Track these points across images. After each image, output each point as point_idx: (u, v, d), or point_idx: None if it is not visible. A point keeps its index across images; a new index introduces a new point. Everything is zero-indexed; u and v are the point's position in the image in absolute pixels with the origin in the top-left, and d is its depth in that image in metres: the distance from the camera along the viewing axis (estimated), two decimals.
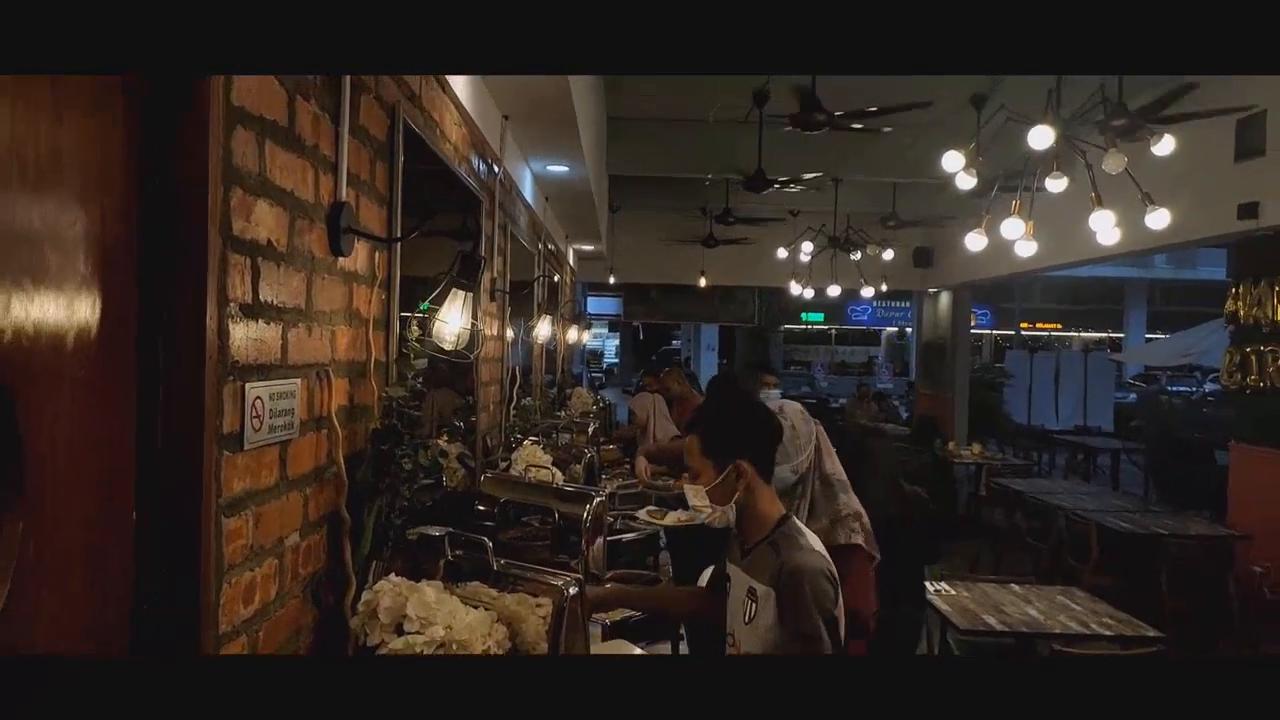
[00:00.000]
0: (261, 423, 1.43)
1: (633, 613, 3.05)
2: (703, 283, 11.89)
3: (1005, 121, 5.25)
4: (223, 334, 1.30)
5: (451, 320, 1.81)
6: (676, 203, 10.99)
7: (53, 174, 1.06)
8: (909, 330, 24.65)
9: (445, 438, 1.99)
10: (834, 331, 31.25)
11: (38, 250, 1.03)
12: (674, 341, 29.79)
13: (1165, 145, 4.41)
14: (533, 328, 4.55)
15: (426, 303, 1.91)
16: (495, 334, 3.97)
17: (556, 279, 7.08)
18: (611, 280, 12.31)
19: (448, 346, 1.90)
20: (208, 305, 1.25)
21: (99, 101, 1.14)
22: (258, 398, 1.41)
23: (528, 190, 4.97)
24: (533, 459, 3.28)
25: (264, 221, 1.44)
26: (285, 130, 1.52)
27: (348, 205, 1.78)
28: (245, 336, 1.38)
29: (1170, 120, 4.77)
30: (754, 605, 2.03)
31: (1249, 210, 5.98)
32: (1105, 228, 4.35)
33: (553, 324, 4.27)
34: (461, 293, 1.81)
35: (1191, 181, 6.05)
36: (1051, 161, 4.55)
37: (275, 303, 1.49)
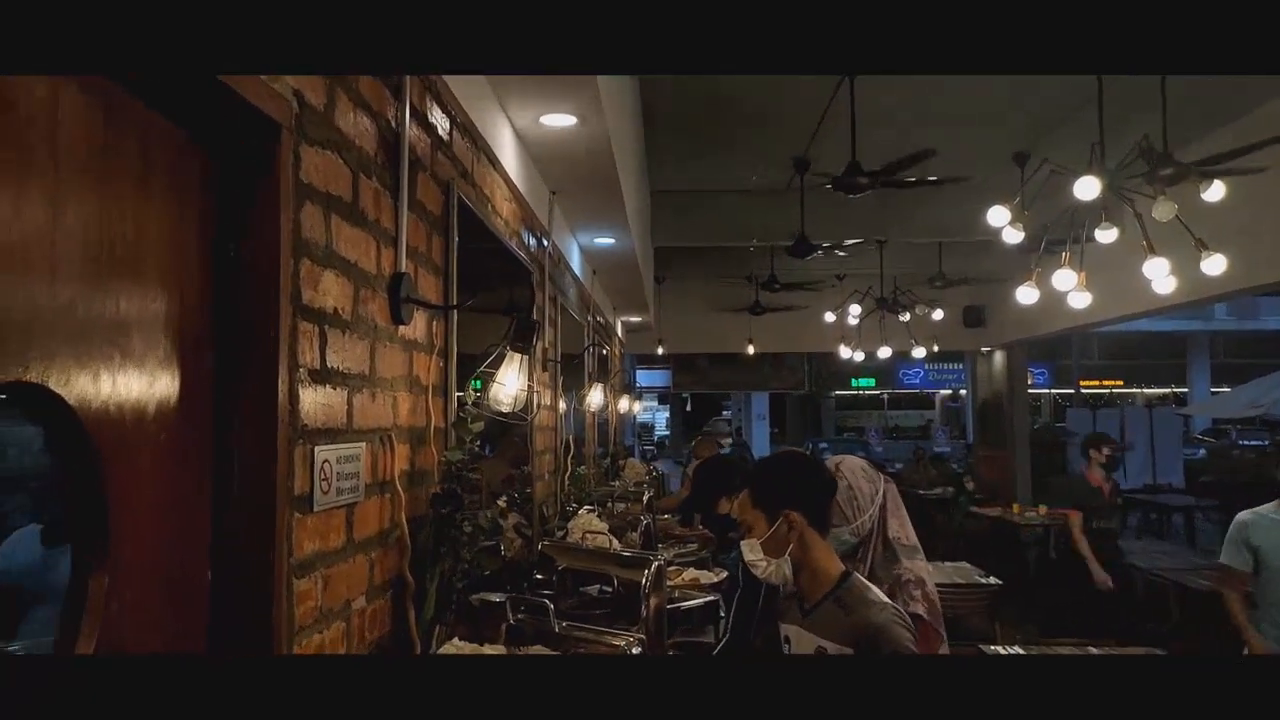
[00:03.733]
0: (330, 485, 1.47)
1: None
2: (751, 350, 11.89)
3: (1049, 175, 5.25)
4: (293, 398, 1.35)
5: (509, 382, 1.85)
6: (721, 272, 11.09)
7: (137, 252, 1.12)
8: (963, 392, 24.24)
9: (504, 500, 2.02)
10: (886, 396, 30.83)
11: (124, 325, 1.09)
12: (724, 412, 29.67)
13: (1215, 191, 4.37)
14: (584, 396, 4.59)
15: (482, 369, 1.96)
16: (549, 404, 4.02)
17: (605, 351, 7.16)
18: (660, 351, 12.37)
19: (505, 409, 1.93)
20: (279, 370, 1.30)
21: (178, 180, 1.22)
22: (326, 460, 1.46)
23: (575, 263, 5.07)
24: (589, 526, 3.27)
25: (330, 291, 1.50)
26: (350, 205, 1.60)
27: (407, 276, 1.85)
28: (314, 401, 1.43)
29: (1217, 164, 4.73)
30: None
31: None
32: (1159, 275, 4.29)
33: (604, 392, 4.30)
34: (518, 356, 1.85)
35: (1247, 228, 5.95)
36: (1099, 212, 4.53)
37: (341, 369, 1.55)
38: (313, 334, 1.43)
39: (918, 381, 28.27)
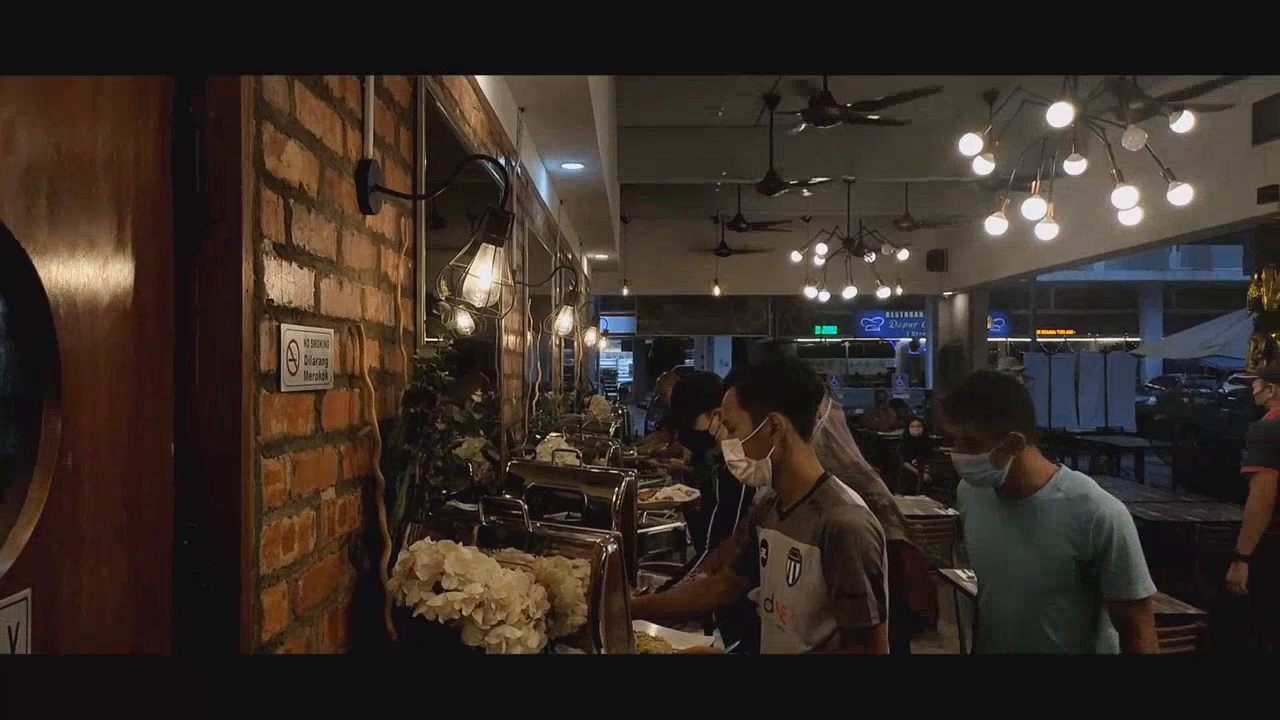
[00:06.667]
0: (297, 367, 1.41)
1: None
2: (717, 291, 11.89)
3: (1020, 108, 5.23)
4: (258, 269, 1.28)
5: (483, 275, 1.79)
6: (688, 210, 11.02)
7: (92, 103, 1.04)
8: (923, 341, 24.54)
9: (479, 394, 1.97)
10: (847, 344, 31.09)
11: (74, 174, 1.01)
12: (688, 360, 29.75)
13: (1184, 122, 4.38)
14: (553, 320, 4.54)
15: (454, 262, 1.90)
16: (517, 328, 3.96)
17: (573, 287, 7.07)
18: (625, 291, 12.32)
19: (478, 303, 1.88)
20: (243, 237, 1.23)
21: None
22: (293, 340, 1.39)
23: (544, 190, 4.97)
24: (558, 446, 3.24)
25: (295, 163, 1.42)
26: (313, 75, 1.51)
27: (374, 163, 1.77)
28: (279, 276, 1.36)
29: (1184, 98, 4.74)
30: (797, 565, 1.99)
31: (1269, 193, 5.93)
32: (1128, 203, 4.31)
33: (573, 315, 4.25)
34: (491, 248, 1.78)
35: (1210, 166, 6.02)
36: (1070, 143, 4.53)
37: (308, 249, 1.48)
38: (277, 205, 1.35)
39: (879, 330, 28.53)
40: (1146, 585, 2.15)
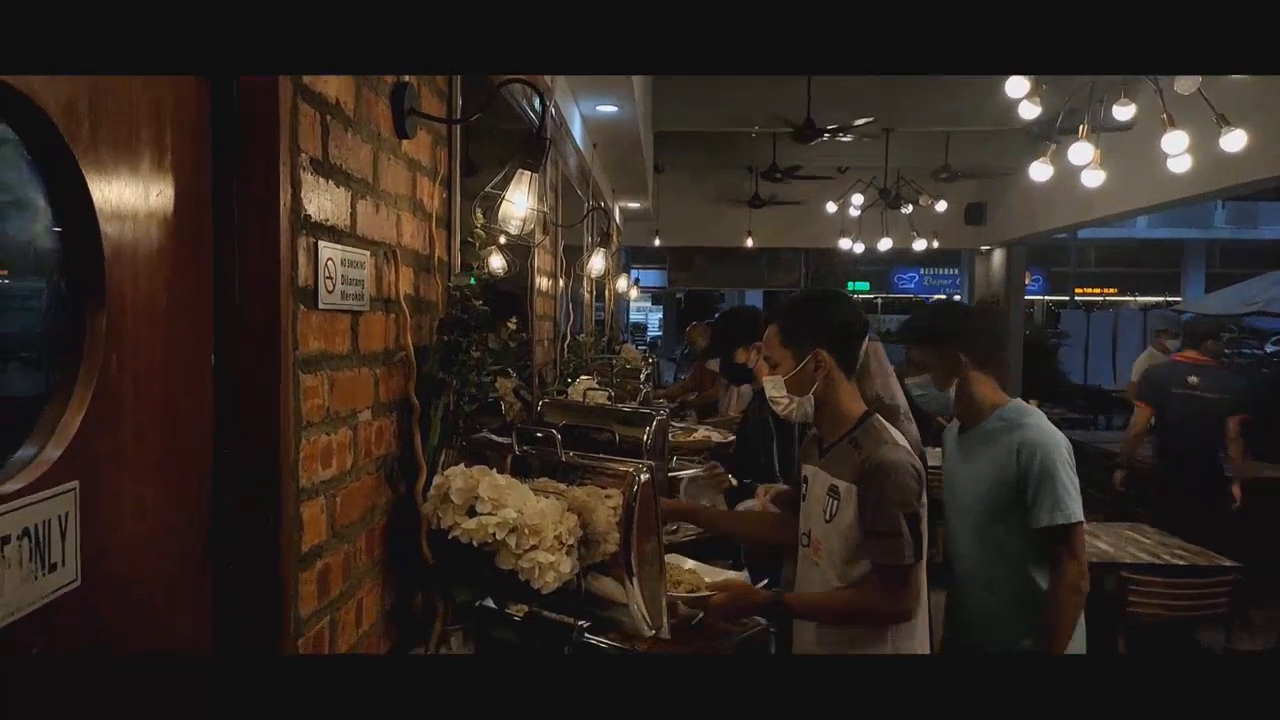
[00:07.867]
0: (334, 285, 1.41)
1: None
2: (750, 243, 11.76)
3: None
4: (295, 184, 1.28)
5: (518, 201, 1.78)
6: (722, 160, 10.87)
7: None
8: (957, 298, 24.20)
9: (514, 321, 1.97)
10: (880, 301, 30.76)
11: (121, 86, 1.00)
12: (718, 315, 29.59)
13: None
14: (585, 263, 4.52)
15: (489, 188, 1.88)
16: (550, 270, 3.95)
17: (606, 229, 7.03)
18: (657, 242, 12.24)
19: (513, 230, 1.87)
20: (280, 150, 1.22)
21: None
22: (329, 258, 1.39)
23: (577, 132, 4.92)
24: (590, 386, 3.25)
25: (331, 79, 1.41)
26: None
27: (410, 87, 1.75)
28: (316, 193, 1.36)
29: None
30: (835, 503, 1.99)
31: None
32: (1177, 148, 4.18)
33: (605, 259, 4.23)
34: (527, 174, 1.77)
35: (1266, 114, 5.80)
36: (1119, 87, 4.38)
37: (344, 168, 1.47)
38: (314, 120, 1.35)
39: (913, 286, 28.16)
40: (1066, 513, 2.14)
